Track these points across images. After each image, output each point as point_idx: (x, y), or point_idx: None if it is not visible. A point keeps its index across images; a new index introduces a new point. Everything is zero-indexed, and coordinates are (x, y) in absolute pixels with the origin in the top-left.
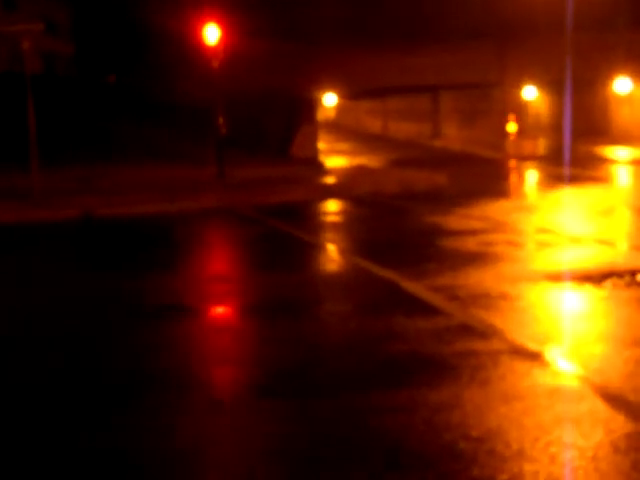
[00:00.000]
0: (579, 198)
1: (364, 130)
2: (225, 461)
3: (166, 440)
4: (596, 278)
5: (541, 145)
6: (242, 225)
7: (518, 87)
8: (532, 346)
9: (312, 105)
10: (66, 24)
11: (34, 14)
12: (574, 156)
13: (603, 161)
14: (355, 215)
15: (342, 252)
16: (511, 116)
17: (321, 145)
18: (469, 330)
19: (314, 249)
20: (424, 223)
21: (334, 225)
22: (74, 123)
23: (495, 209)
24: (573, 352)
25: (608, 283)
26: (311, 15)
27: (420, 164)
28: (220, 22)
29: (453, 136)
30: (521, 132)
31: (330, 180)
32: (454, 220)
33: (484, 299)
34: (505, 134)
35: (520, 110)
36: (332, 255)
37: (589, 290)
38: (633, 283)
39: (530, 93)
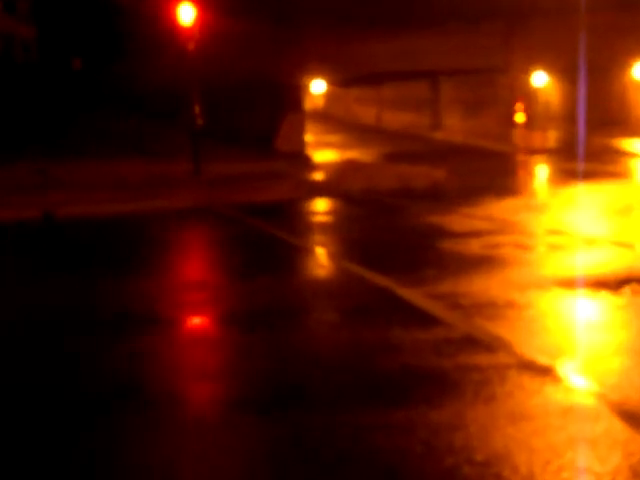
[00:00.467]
0: (594, 196)
1: (356, 120)
2: None
3: (138, 460)
4: (613, 284)
5: (552, 137)
6: (221, 226)
7: (527, 73)
8: (543, 360)
9: (298, 93)
10: (26, 4)
11: None
12: (588, 149)
13: (621, 154)
14: (346, 215)
15: (332, 256)
16: (519, 105)
17: (308, 137)
18: (473, 342)
19: (301, 253)
20: (422, 224)
21: (323, 226)
22: (34, 113)
23: (501, 208)
24: (588, 366)
25: (626, 290)
26: None
27: (418, 158)
28: (196, 1)
29: (454, 127)
30: (530, 123)
31: (318, 176)
32: (456, 220)
33: (489, 308)
34: (512, 125)
35: (529, 98)
36: (320, 259)
37: (605, 297)
38: None
39: (540, 79)
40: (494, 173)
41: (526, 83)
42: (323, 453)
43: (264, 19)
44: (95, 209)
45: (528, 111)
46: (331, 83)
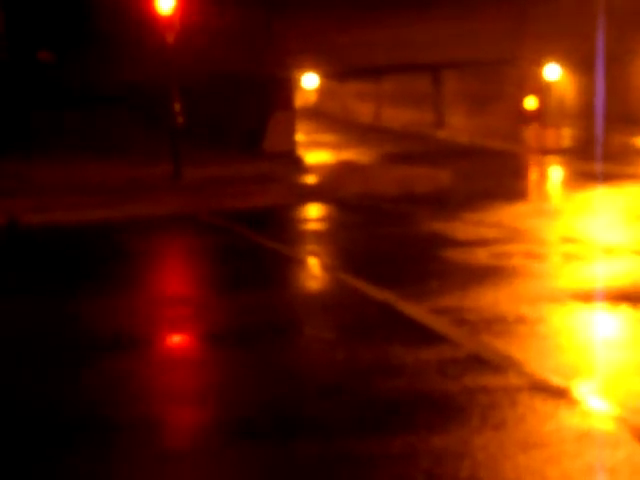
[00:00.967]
0: (613, 200)
1: (352, 118)
2: None
3: None
4: (634, 297)
5: (567, 135)
6: (204, 235)
7: (538, 64)
8: (557, 381)
9: (288, 88)
10: None
11: None
12: (607, 149)
13: None
14: (341, 222)
15: (326, 267)
16: (530, 100)
17: (299, 137)
18: (480, 362)
19: (292, 264)
20: (425, 231)
21: (316, 234)
22: None
23: (511, 214)
24: (607, 388)
25: None
26: None
27: (420, 159)
28: None
29: (459, 125)
30: (543, 120)
31: (311, 179)
32: (461, 227)
33: (498, 324)
34: (523, 122)
35: (541, 93)
36: (314, 271)
37: (626, 312)
38: None
39: (553, 72)
40: (503, 175)
41: (538, 76)
42: None
43: (250, 7)
44: (65, 216)
45: (540, 107)
46: (324, 77)
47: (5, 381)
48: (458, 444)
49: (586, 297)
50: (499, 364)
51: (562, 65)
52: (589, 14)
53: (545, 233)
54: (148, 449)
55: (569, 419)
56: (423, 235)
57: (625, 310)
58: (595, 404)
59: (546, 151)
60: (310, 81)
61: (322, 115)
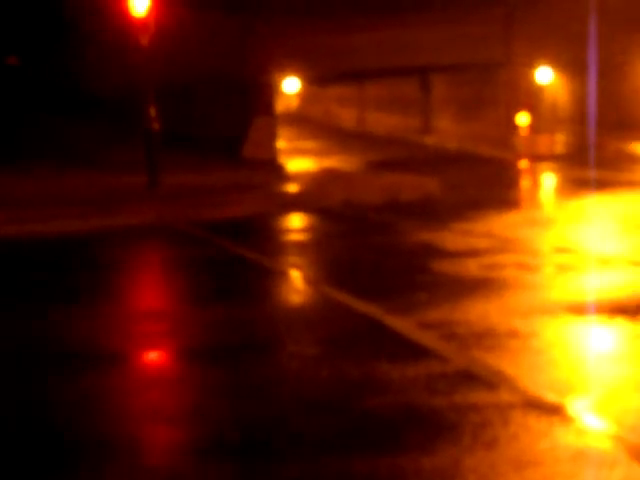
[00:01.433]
0: (608, 208)
1: (335, 124)
2: None
3: None
4: (631, 310)
5: (560, 141)
6: (181, 246)
7: (530, 68)
8: (551, 397)
9: (269, 93)
10: None
11: None
12: (601, 155)
13: (638, 161)
14: (325, 232)
15: (309, 280)
16: (522, 105)
17: (281, 143)
18: (471, 378)
19: (273, 276)
20: (412, 242)
21: (298, 245)
22: None
23: (502, 223)
24: (603, 405)
25: None
26: None
27: (407, 166)
28: None
29: (448, 131)
30: (534, 125)
31: (293, 188)
32: (450, 238)
33: (489, 338)
34: (514, 128)
35: (533, 97)
36: (296, 284)
37: (622, 325)
38: None
39: (545, 75)
40: (493, 183)
41: (530, 80)
42: None
43: (229, 9)
44: (39, 228)
45: (532, 112)
46: (306, 81)
47: None
48: (448, 464)
49: (580, 310)
50: (490, 380)
51: (554, 68)
52: (581, 17)
53: (537, 243)
54: (121, 468)
55: (564, 437)
56: (410, 246)
57: (621, 323)
58: (591, 421)
59: (538, 158)
60: (292, 86)
61: (304, 121)
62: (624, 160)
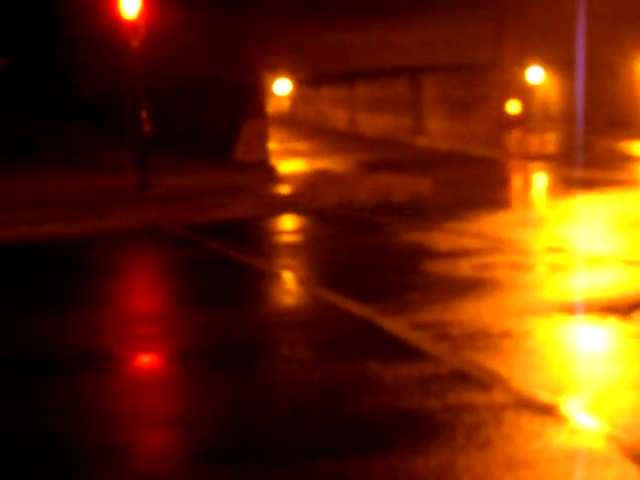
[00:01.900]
0: (599, 208)
1: (327, 125)
2: None
3: None
4: (623, 309)
5: (551, 141)
6: (172, 249)
7: (521, 67)
8: (544, 397)
9: (260, 94)
10: None
11: None
12: (593, 154)
13: (629, 160)
14: (317, 234)
15: (301, 282)
16: (513, 104)
17: (272, 145)
18: (464, 378)
19: (265, 278)
20: (404, 242)
21: (291, 247)
22: None
23: (494, 223)
24: (596, 404)
25: (638, 315)
26: None
27: (398, 167)
28: None
29: (439, 131)
30: (526, 125)
31: (285, 189)
32: (442, 238)
33: (482, 339)
34: (505, 128)
35: (524, 97)
36: (288, 286)
37: (614, 324)
38: None
39: (536, 75)
40: (485, 183)
41: (520, 79)
42: None
43: (219, 10)
44: (27, 232)
45: (523, 111)
46: (298, 82)
47: None
48: (441, 465)
49: (573, 309)
50: (483, 380)
51: (545, 68)
52: (571, 17)
53: (529, 243)
54: (112, 473)
55: (557, 437)
56: (402, 246)
57: (613, 322)
58: (584, 421)
59: (530, 157)
60: (283, 87)
61: (296, 122)
62: (615, 159)
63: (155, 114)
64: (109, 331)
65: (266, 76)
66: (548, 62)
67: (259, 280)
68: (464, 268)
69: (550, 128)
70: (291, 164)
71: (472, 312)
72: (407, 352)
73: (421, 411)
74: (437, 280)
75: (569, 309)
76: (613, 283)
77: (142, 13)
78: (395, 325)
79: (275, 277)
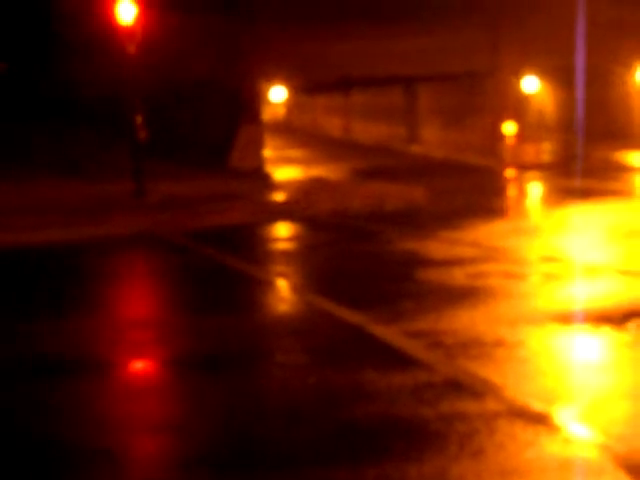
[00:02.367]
0: (594, 217)
1: (322, 133)
2: None
3: None
4: (617, 319)
5: (546, 150)
6: (167, 256)
7: (516, 76)
8: (537, 406)
9: (256, 101)
10: None
11: None
12: (588, 164)
13: (625, 170)
14: (311, 241)
15: (295, 289)
16: (508, 114)
17: (267, 152)
18: (457, 387)
19: (259, 285)
20: (398, 251)
21: (285, 255)
22: None
23: (488, 232)
24: (589, 413)
25: (632, 325)
26: None
27: (393, 175)
28: None
29: (434, 140)
30: (521, 134)
31: (279, 197)
32: (436, 247)
33: (476, 347)
34: (500, 137)
35: (519, 106)
36: (282, 293)
37: (608, 334)
38: None
39: (532, 84)
40: (480, 192)
41: (516, 88)
42: None
43: (215, 16)
44: (19, 237)
45: (519, 121)
46: (293, 90)
47: None
48: (434, 473)
49: (567, 319)
50: (477, 389)
51: (541, 77)
52: (568, 25)
53: (524, 252)
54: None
55: (550, 446)
56: (396, 254)
57: (607, 332)
58: (577, 431)
59: (525, 166)
60: (278, 94)
61: (291, 129)
62: (610, 169)
63: (151, 120)
64: (104, 336)
65: (262, 83)
66: (544, 71)
67: (254, 287)
68: (458, 277)
69: (545, 137)
70: (286, 171)
71: (466, 321)
72: (401, 360)
73: (414, 419)
74: (431, 288)
75: (563, 318)
76: (607, 293)
77: (138, 19)
78: (389, 333)
79: (269, 284)
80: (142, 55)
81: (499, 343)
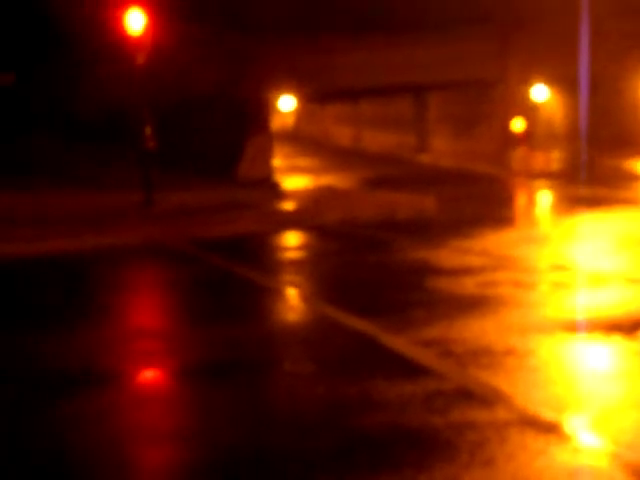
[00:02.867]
0: (604, 226)
1: (331, 142)
2: None
3: None
4: (627, 327)
5: (555, 159)
6: (176, 265)
7: (525, 85)
8: (547, 415)
9: (264, 110)
10: None
11: None
12: (597, 172)
13: (634, 179)
14: (321, 250)
15: (305, 298)
16: (517, 122)
17: (276, 161)
18: (467, 396)
19: (269, 294)
20: (408, 260)
21: (294, 263)
22: None
23: (498, 241)
24: (599, 422)
25: None
26: None
27: (403, 184)
28: (146, 6)
29: (443, 149)
30: (530, 142)
31: (288, 206)
32: (446, 255)
33: (486, 356)
34: (509, 145)
35: (528, 114)
36: (292, 302)
37: (618, 342)
38: None
39: (541, 93)
40: (489, 201)
41: (525, 97)
42: None
43: (225, 27)
44: (27, 248)
45: (527, 129)
46: (302, 99)
47: None
48: None
49: (577, 327)
50: (487, 398)
51: (550, 86)
52: (577, 35)
53: (534, 261)
54: None
55: (560, 455)
56: (406, 263)
57: (617, 341)
58: (587, 439)
59: (534, 175)
60: (287, 104)
61: (300, 139)
62: (619, 177)
63: (159, 130)
64: (113, 347)
65: (271, 93)
66: (552, 79)
67: (263, 296)
68: (468, 285)
69: (554, 146)
70: (295, 180)
71: (476, 329)
72: (411, 369)
73: (425, 428)
74: (441, 297)
75: (573, 327)
76: (617, 301)
77: (147, 29)
78: (399, 342)
79: (279, 293)
80: (151, 66)
81: (509, 352)
